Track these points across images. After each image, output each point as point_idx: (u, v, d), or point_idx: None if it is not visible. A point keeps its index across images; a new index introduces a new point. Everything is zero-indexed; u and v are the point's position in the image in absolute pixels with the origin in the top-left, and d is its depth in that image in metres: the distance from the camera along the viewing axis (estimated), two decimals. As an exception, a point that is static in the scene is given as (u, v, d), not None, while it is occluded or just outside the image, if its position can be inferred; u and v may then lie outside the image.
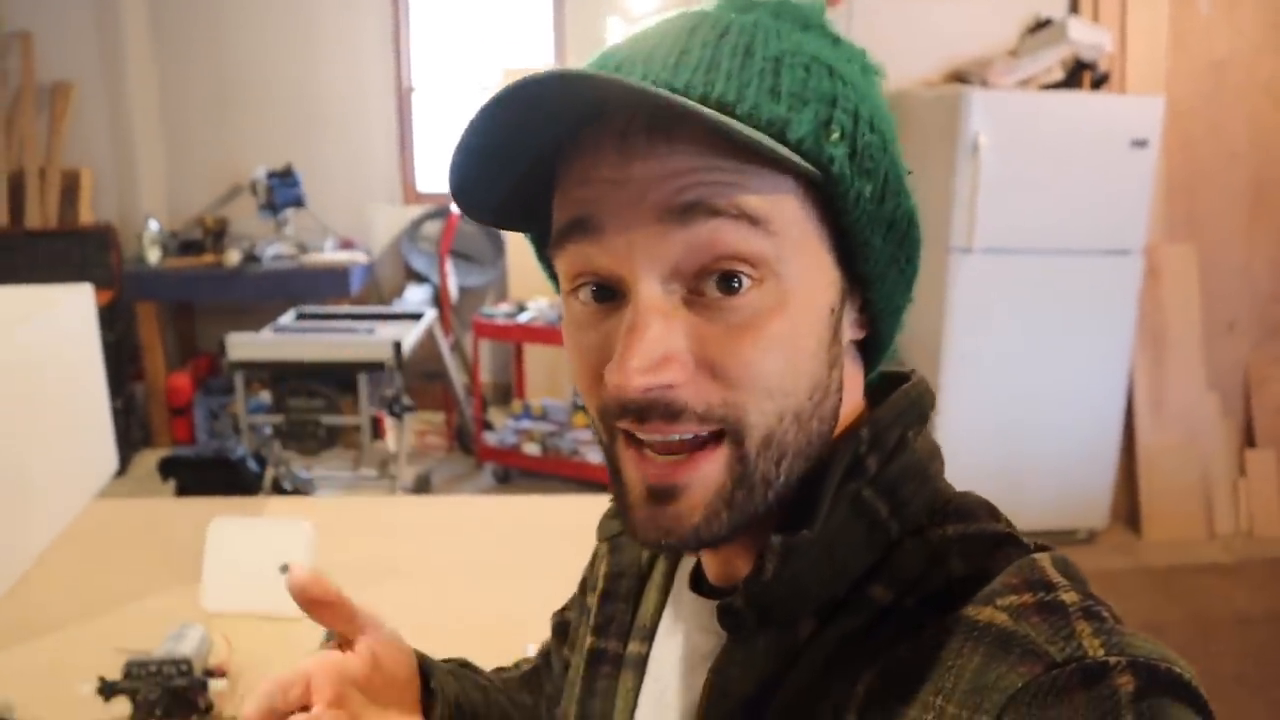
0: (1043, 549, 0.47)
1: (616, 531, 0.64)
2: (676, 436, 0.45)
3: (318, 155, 4.74)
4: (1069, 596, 0.42)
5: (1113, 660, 0.39)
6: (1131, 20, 3.85)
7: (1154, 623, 2.97)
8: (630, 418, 0.45)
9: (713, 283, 0.44)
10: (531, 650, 1.21)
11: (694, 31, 0.46)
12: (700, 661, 0.52)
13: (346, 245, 4.69)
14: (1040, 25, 3.81)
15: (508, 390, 4.87)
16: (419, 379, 4.59)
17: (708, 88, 0.44)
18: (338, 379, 3.67)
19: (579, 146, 0.46)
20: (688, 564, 0.59)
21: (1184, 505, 3.79)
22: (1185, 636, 2.99)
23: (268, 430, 3.66)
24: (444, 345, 4.22)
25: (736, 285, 0.44)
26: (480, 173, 0.47)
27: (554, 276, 0.52)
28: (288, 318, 3.90)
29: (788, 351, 0.45)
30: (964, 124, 3.26)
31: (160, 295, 4.45)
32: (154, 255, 4.33)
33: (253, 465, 3.22)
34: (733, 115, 0.43)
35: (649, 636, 0.60)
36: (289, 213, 4.47)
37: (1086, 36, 3.63)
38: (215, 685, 1.12)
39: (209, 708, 1.11)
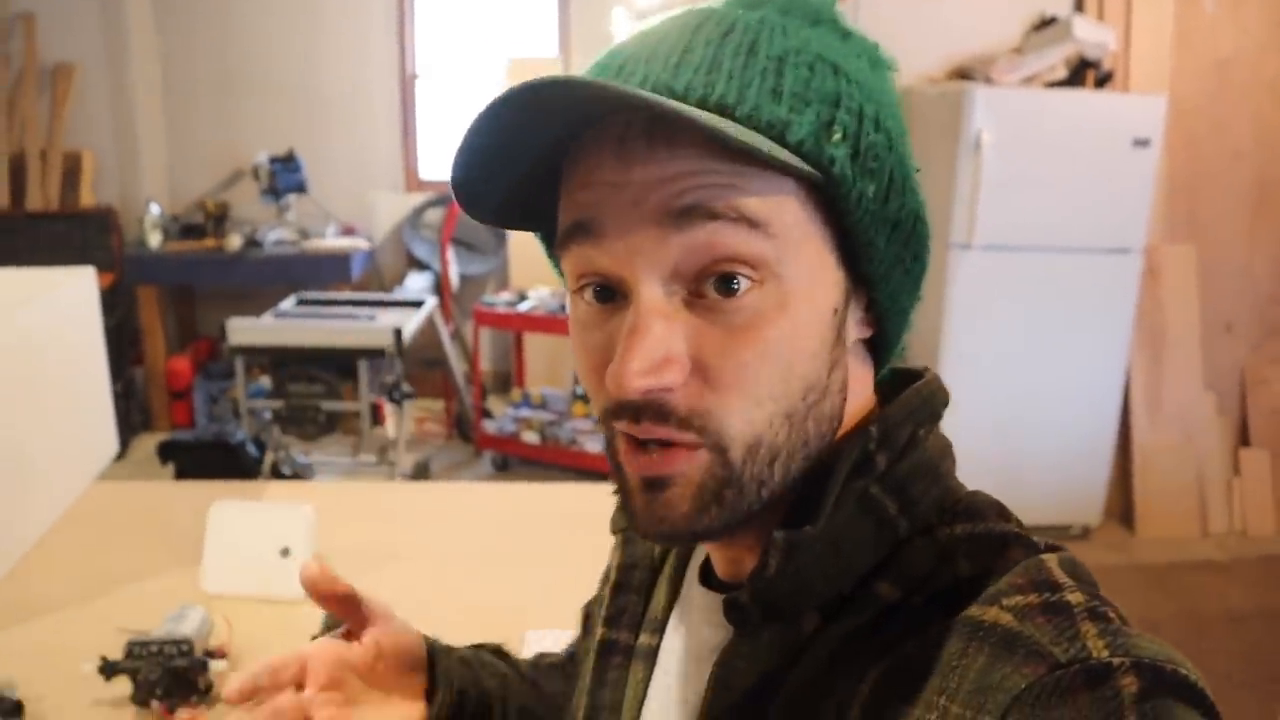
0: (1053, 549, 0.47)
1: (627, 524, 0.65)
2: (659, 439, 0.46)
3: (320, 141, 4.73)
4: (1075, 597, 0.42)
5: (1116, 661, 0.38)
6: (1136, 19, 3.84)
7: (1147, 619, 2.99)
8: (627, 418, 0.46)
9: (712, 284, 0.44)
10: (530, 636, 1.23)
11: (699, 30, 0.46)
12: (708, 654, 0.52)
13: (348, 232, 4.70)
14: (1045, 23, 3.81)
15: (507, 379, 4.88)
16: (419, 366, 4.60)
17: (708, 89, 0.44)
18: (338, 365, 3.67)
19: (582, 148, 0.46)
20: (698, 557, 0.60)
21: (1178, 503, 3.81)
22: (1177, 633, 3.01)
23: (267, 415, 3.67)
24: (444, 333, 4.22)
25: (736, 286, 0.44)
26: (481, 173, 0.47)
27: (564, 274, 0.53)
28: (288, 303, 3.91)
29: (786, 353, 0.45)
30: (967, 120, 3.27)
31: (161, 279, 4.45)
32: (155, 239, 4.33)
33: (252, 450, 3.23)
34: (732, 117, 0.43)
35: (660, 629, 0.60)
36: (291, 198, 4.47)
37: (1091, 35, 3.62)
38: (215, 666, 1.13)
39: (209, 688, 1.12)
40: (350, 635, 0.64)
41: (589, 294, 0.48)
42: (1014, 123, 3.30)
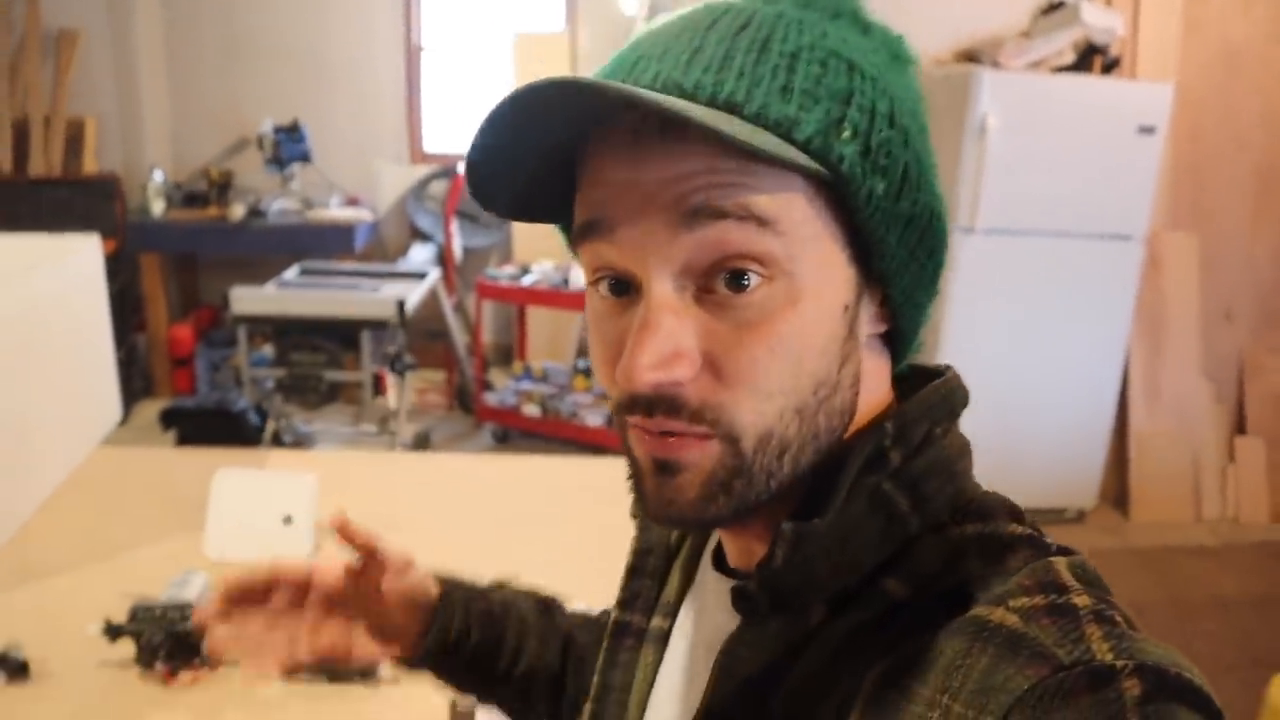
0: (1064, 552, 0.47)
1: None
2: (673, 430, 0.46)
3: (326, 111, 4.72)
4: (1081, 600, 0.42)
5: (1120, 664, 0.38)
6: (1145, 5, 3.82)
7: (1137, 603, 3.01)
8: (640, 412, 0.46)
9: (723, 280, 0.44)
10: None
11: (714, 26, 0.46)
12: (719, 640, 0.53)
13: (352, 202, 4.70)
14: (1053, 7, 3.79)
15: (509, 351, 4.90)
16: (421, 337, 4.61)
17: (717, 87, 0.44)
18: (340, 335, 3.69)
19: (595, 145, 0.47)
20: (713, 542, 0.60)
21: (1173, 489, 3.84)
22: (1168, 616, 3.04)
23: (269, 383, 3.69)
24: (447, 305, 4.24)
25: (746, 283, 0.44)
26: (494, 169, 0.48)
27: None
28: (292, 273, 3.91)
29: (796, 349, 0.45)
30: (973, 104, 3.26)
31: (164, 247, 4.45)
32: (158, 206, 4.34)
33: (254, 417, 3.26)
34: (740, 115, 0.43)
35: (672, 613, 0.61)
36: (295, 168, 4.47)
37: (1099, 20, 3.61)
38: (217, 630, 1.15)
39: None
40: (363, 578, 0.74)
41: (604, 287, 0.48)
42: (1020, 107, 3.29)
